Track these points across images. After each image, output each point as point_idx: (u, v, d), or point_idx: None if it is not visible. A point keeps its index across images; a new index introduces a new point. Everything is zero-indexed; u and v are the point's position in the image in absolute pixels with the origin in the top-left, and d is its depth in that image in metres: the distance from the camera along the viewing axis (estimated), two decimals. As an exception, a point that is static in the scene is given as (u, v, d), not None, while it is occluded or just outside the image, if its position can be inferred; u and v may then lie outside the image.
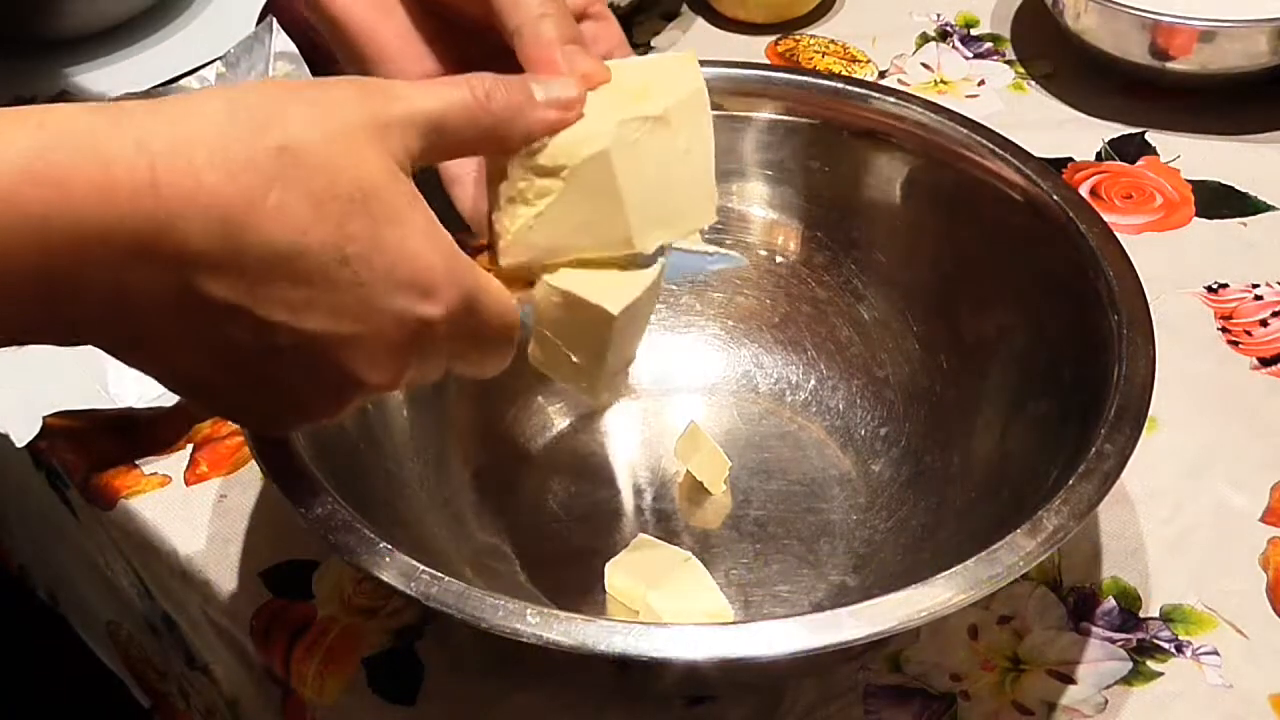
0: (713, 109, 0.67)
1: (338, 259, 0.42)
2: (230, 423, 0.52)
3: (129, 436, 0.68)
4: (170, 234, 0.40)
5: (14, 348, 0.43)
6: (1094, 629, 0.59)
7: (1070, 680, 0.57)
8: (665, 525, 0.63)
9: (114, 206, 0.39)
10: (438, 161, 0.46)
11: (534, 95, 0.47)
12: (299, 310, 0.43)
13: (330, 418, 0.47)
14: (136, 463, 0.67)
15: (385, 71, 0.54)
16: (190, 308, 0.42)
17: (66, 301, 0.41)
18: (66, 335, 0.43)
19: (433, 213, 0.45)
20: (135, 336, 0.43)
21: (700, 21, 0.95)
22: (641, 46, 0.92)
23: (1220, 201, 0.79)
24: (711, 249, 0.55)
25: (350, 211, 0.42)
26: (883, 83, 0.84)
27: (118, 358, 0.45)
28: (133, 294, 0.41)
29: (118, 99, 0.79)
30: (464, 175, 0.55)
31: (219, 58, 0.81)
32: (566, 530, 0.63)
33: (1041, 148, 0.68)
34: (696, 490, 0.65)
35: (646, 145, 0.49)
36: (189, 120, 0.41)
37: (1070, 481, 0.51)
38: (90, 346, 0.44)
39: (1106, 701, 0.56)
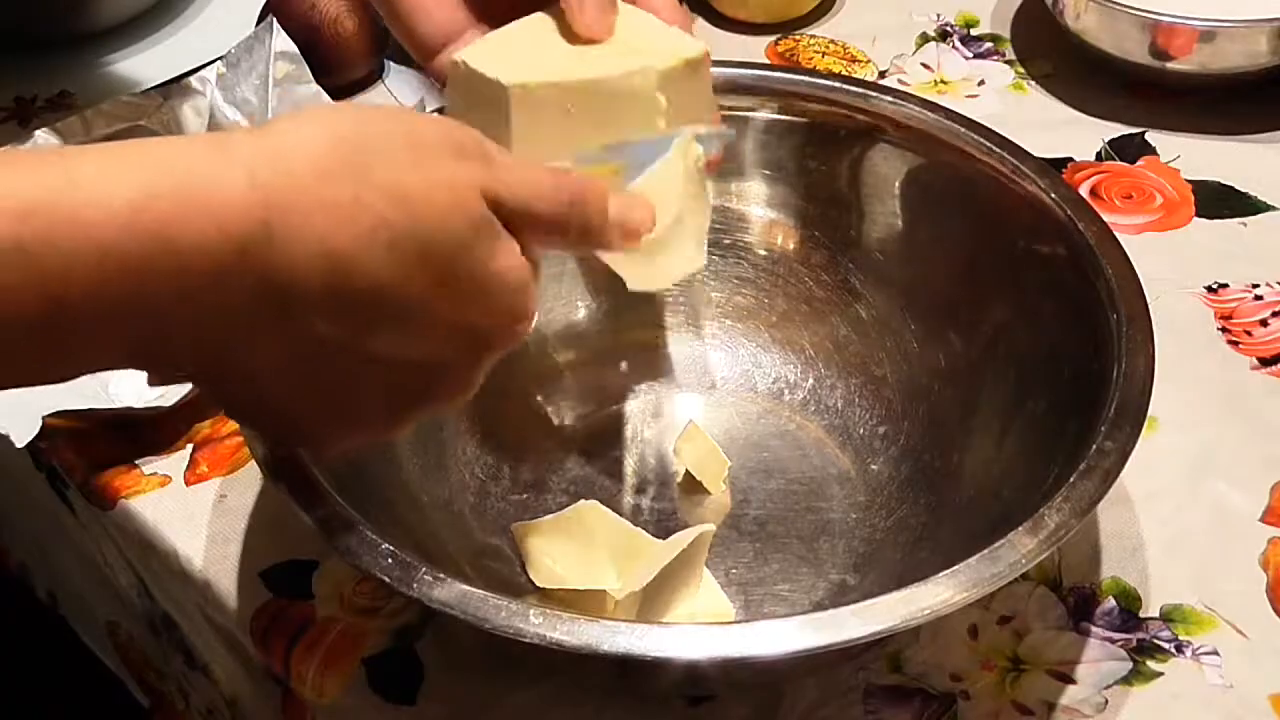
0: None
1: (441, 297, 0.44)
2: (277, 442, 0.52)
3: (129, 436, 0.68)
4: (279, 276, 0.41)
5: None
6: (1094, 629, 0.59)
7: (1070, 680, 0.57)
8: (665, 524, 0.63)
9: (224, 254, 0.39)
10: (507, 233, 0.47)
11: (607, 213, 0.49)
12: (398, 344, 0.44)
13: (397, 435, 0.50)
14: (136, 463, 0.67)
15: (414, 19, 0.56)
16: (292, 342, 0.42)
17: (162, 345, 0.41)
18: (142, 368, 0.44)
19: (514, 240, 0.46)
20: (227, 367, 0.43)
21: (700, 21, 0.95)
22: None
23: (1220, 201, 0.79)
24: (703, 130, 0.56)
25: (454, 255, 0.43)
26: (883, 83, 0.84)
27: (191, 382, 0.46)
28: (238, 329, 0.41)
29: (119, 99, 0.79)
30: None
31: (219, 58, 0.81)
32: (566, 530, 0.63)
33: (1041, 148, 0.68)
34: (696, 489, 0.65)
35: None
36: (295, 151, 0.41)
37: (1071, 480, 0.51)
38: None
39: (1106, 701, 0.56)
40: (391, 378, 0.45)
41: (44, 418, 0.68)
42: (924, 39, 0.93)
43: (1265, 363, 0.70)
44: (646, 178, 0.51)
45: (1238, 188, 0.80)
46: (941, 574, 0.48)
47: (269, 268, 0.40)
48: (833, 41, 0.93)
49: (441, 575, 0.48)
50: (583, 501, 0.60)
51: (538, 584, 0.60)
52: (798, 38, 0.93)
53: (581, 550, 0.59)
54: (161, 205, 0.39)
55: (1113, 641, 0.58)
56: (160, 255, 0.39)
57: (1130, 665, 0.57)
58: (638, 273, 0.56)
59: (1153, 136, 0.84)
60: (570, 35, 0.54)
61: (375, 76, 0.89)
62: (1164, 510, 0.63)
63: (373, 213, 0.41)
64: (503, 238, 0.45)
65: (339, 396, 0.45)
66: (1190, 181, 0.81)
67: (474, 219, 0.44)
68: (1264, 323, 0.72)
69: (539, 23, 0.55)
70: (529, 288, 0.46)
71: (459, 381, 0.47)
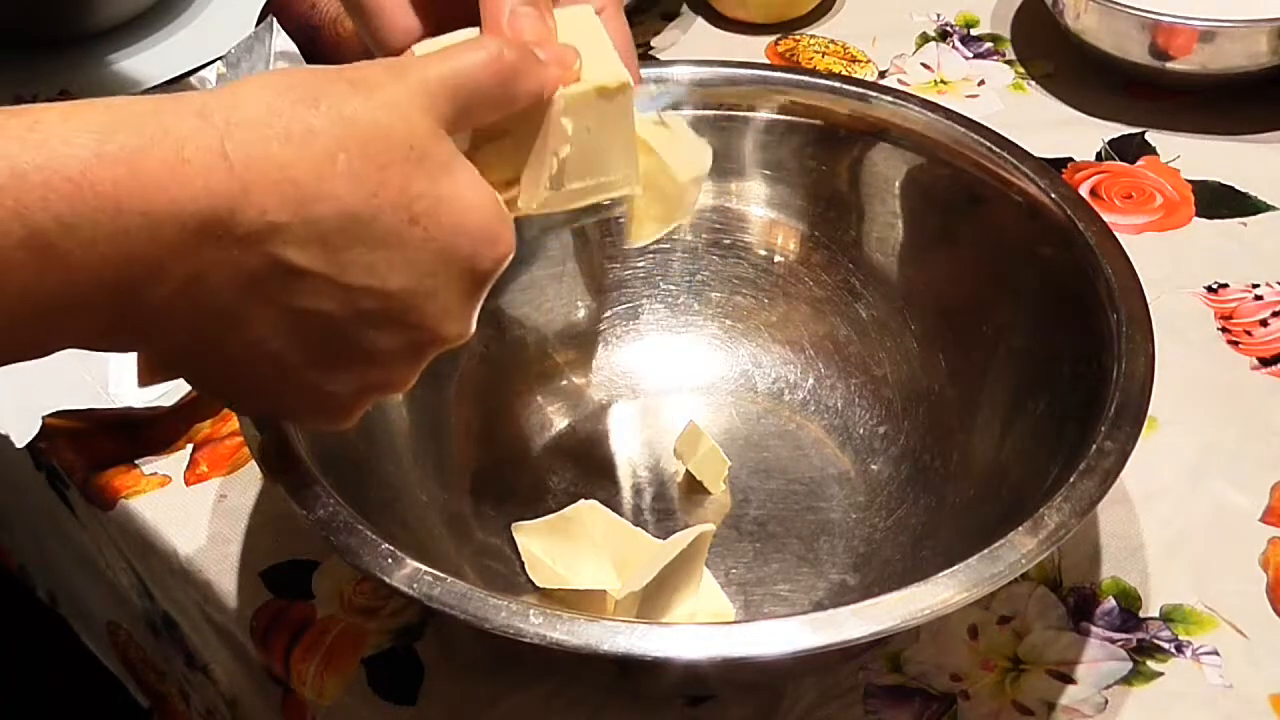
0: (713, 108, 0.67)
1: (407, 218, 0.44)
2: (288, 419, 0.52)
3: (129, 436, 0.68)
4: (246, 207, 0.41)
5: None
6: (1094, 629, 0.59)
7: (1070, 680, 0.57)
8: (665, 524, 0.63)
9: (186, 183, 0.40)
10: (467, 126, 0.47)
11: (537, 55, 0.49)
12: (380, 271, 0.44)
13: (405, 385, 0.49)
14: (136, 463, 0.67)
15: (377, 21, 0.56)
16: (272, 281, 0.42)
17: (141, 290, 0.41)
18: (133, 339, 0.43)
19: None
20: (212, 324, 0.43)
21: (700, 21, 0.95)
22: (641, 47, 0.92)
23: (1220, 201, 0.79)
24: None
25: (410, 172, 0.44)
26: (883, 83, 0.84)
27: (182, 361, 0.45)
28: (211, 275, 0.41)
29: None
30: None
31: (219, 58, 0.81)
32: (566, 530, 0.63)
33: (1041, 148, 0.68)
34: (696, 489, 0.65)
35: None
36: (245, 98, 0.42)
37: (1071, 479, 0.51)
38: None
39: (1106, 701, 0.56)
40: (379, 313, 0.45)
41: (44, 418, 0.68)
42: (924, 39, 0.93)
43: (1265, 363, 0.70)
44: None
45: (1238, 188, 0.80)
46: (941, 574, 0.48)
47: (234, 197, 0.41)
48: (833, 41, 0.93)
49: (441, 575, 0.48)
50: (582, 501, 0.60)
51: (538, 584, 0.60)
52: (798, 38, 0.93)
53: (581, 550, 0.59)
54: (124, 138, 0.39)
55: (1113, 641, 0.58)
56: (128, 185, 0.39)
57: (1130, 665, 0.57)
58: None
59: (1153, 136, 0.84)
60: None
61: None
62: (1164, 510, 0.63)
63: (326, 138, 0.42)
64: (457, 157, 0.45)
65: (329, 340, 0.45)
66: (1190, 181, 0.81)
67: (421, 132, 0.44)
68: (1264, 323, 0.72)
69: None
70: (495, 206, 0.46)
71: (449, 315, 0.47)
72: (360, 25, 0.58)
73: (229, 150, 0.41)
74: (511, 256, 0.47)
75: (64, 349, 0.42)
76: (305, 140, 0.42)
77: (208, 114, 0.41)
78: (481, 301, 0.48)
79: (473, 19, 0.52)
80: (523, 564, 0.61)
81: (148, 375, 0.47)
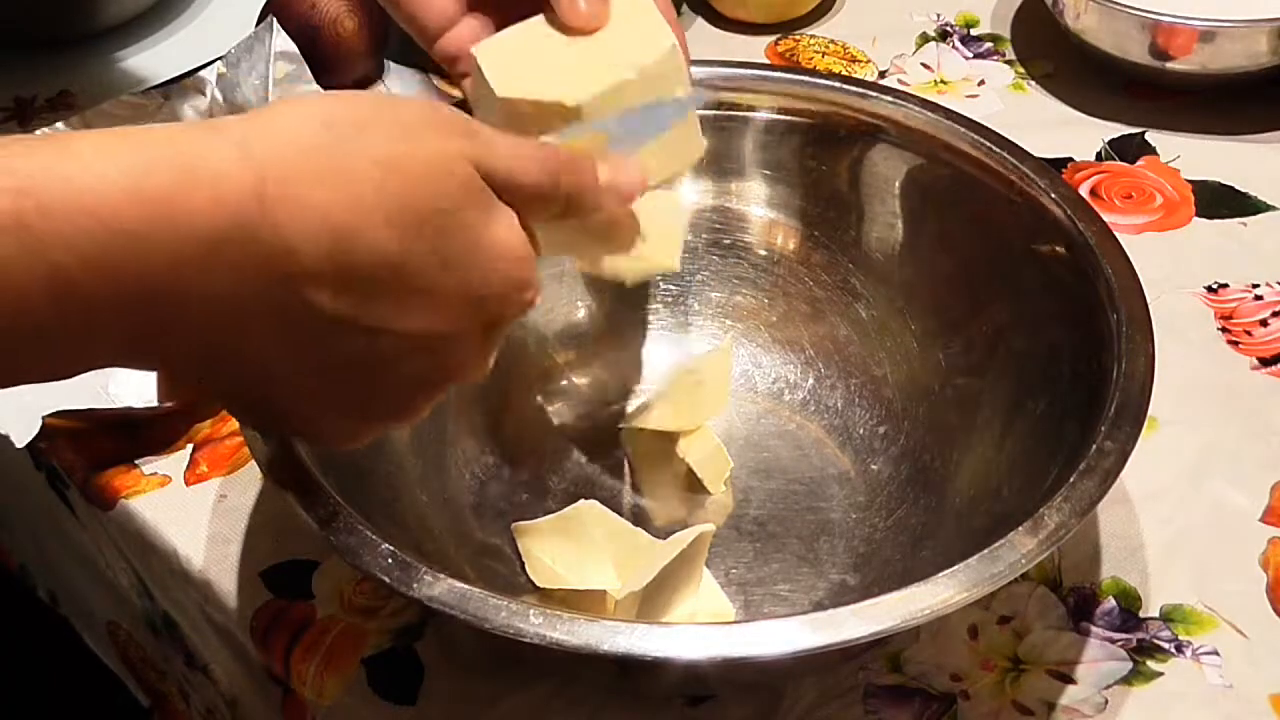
0: (713, 108, 0.67)
1: (440, 265, 0.44)
2: (295, 436, 0.52)
3: (129, 436, 0.68)
4: (278, 249, 0.41)
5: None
6: (1094, 629, 0.59)
7: (1070, 680, 0.57)
8: (665, 524, 0.63)
9: (218, 225, 0.39)
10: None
11: (598, 179, 0.49)
12: (407, 315, 0.44)
13: (416, 418, 0.49)
14: (136, 463, 0.67)
15: (412, 6, 0.57)
16: (297, 319, 0.42)
17: (163, 326, 0.41)
18: (150, 362, 0.43)
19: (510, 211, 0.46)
20: (232, 354, 0.43)
21: (700, 21, 0.95)
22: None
23: (1220, 201, 0.79)
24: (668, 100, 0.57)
25: (449, 222, 0.43)
26: (883, 83, 0.84)
27: (194, 376, 0.45)
28: (237, 311, 0.41)
29: (119, 99, 0.80)
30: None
31: (219, 58, 0.81)
32: (566, 530, 0.63)
33: (1041, 148, 0.68)
34: (696, 489, 0.65)
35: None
36: (286, 131, 0.41)
37: (1071, 479, 0.51)
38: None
39: (1106, 701, 0.56)
40: (400, 354, 0.45)
41: (44, 418, 0.68)
42: (924, 39, 0.93)
43: (1265, 363, 0.70)
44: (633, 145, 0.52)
45: (1238, 188, 0.80)
46: (941, 574, 0.48)
47: (267, 239, 0.40)
48: (833, 41, 0.93)
49: (441, 575, 0.48)
50: (582, 502, 0.60)
51: (538, 584, 0.60)
52: (798, 38, 0.93)
53: (581, 550, 0.59)
54: (158, 179, 0.39)
55: (1113, 641, 0.58)
56: (159, 224, 0.39)
57: (1130, 665, 0.57)
58: (631, 265, 0.57)
59: (1153, 136, 0.84)
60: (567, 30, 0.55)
61: (375, 76, 0.89)
62: (1164, 510, 0.63)
63: (370, 184, 0.42)
64: (496, 205, 0.45)
65: (348, 377, 0.45)
66: (1190, 181, 0.81)
67: (465, 185, 0.44)
68: (1264, 323, 0.72)
69: (541, 23, 0.56)
70: (528, 255, 0.46)
71: (469, 356, 0.47)
72: (393, 11, 0.59)
73: (267, 190, 0.40)
74: (538, 303, 0.48)
75: (81, 374, 0.42)
76: (345, 183, 0.41)
77: (247, 148, 0.40)
78: (500, 342, 0.48)
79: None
80: (523, 564, 0.61)
81: (166, 391, 0.47)
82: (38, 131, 0.76)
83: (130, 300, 0.39)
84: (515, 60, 0.55)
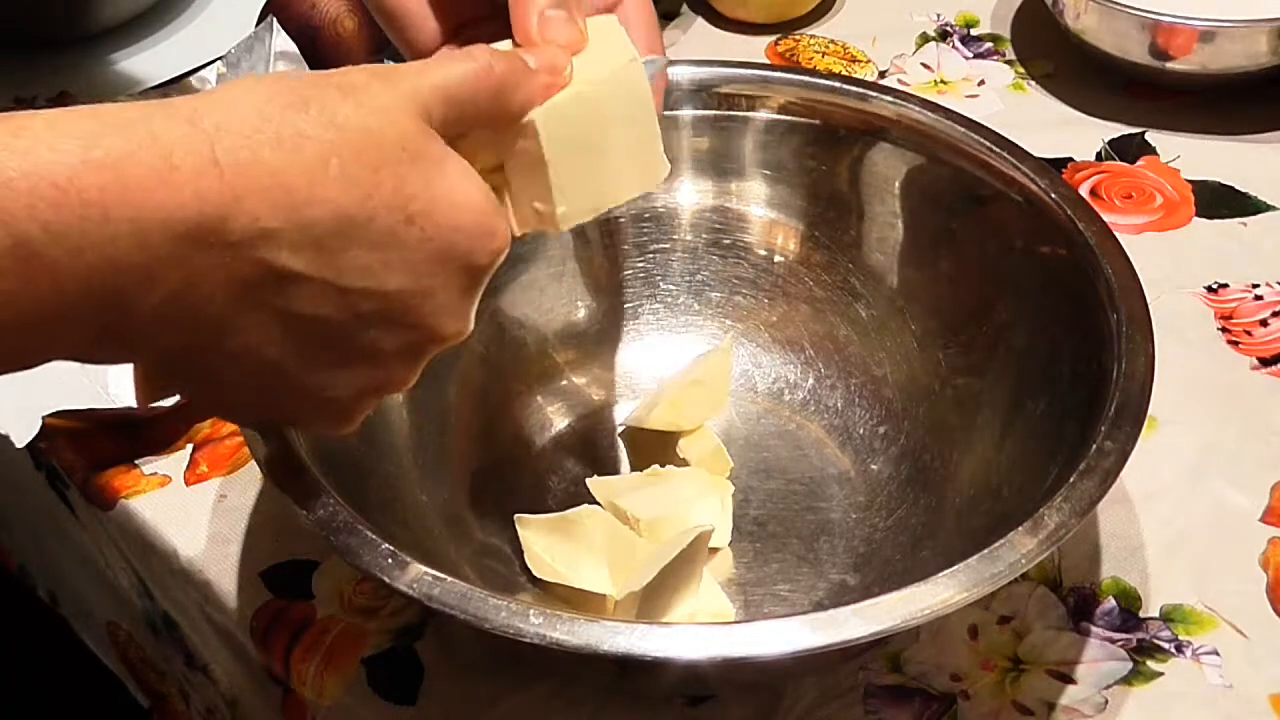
0: (713, 108, 0.67)
1: (403, 218, 0.44)
2: (289, 425, 0.52)
3: (129, 436, 0.68)
4: (238, 213, 0.40)
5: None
6: (1094, 629, 0.59)
7: (1070, 680, 0.57)
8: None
9: (175, 190, 0.39)
10: (454, 132, 0.47)
11: (528, 64, 0.49)
12: (377, 273, 0.44)
13: (405, 384, 0.48)
14: (136, 463, 0.67)
15: (402, 25, 0.57)
16: (266, 288, 0.42)
17: (131, 298, 0.40)
18: (123, 349, 0.43)
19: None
20: (205, 332, 0.42)
21: (700, 21, 0.95)
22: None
23: (1220, 201, 0.79)
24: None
25: (404, 172, 0.44)
26: (883, 83, 0.84)
27: (177, 372, 0.45)
28: (203, 282, 0.41)
29: (119, 99, 0.80)
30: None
31: (219, 58, 0.81)
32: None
33: (1041, 148, 0.68)
34: (696, 490, 0.65)
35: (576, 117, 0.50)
36: (234, 103, 0.42)
37: (1071, 479, 0.51)
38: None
39: (1106, 701, 0.56)
40: (376, 316, 0.45)
41: (44, 418, 0.68)
42: (924, 39, 0.93)
43: (1265, 363, 0.70)
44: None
45: (1238, 188, 0.80)
46: (941, 574, 0.48)
47: (223, 202, 0.40)
48: (833, 41, 0.93)
49: (441, 575, 0.48)
50: (585, 507, 0.60)
51: (535, 575, 0.60)
52: (798, 38, 0.93)
53: (580, 553, 0.59)
54: (111, 145, 0.39)
55: (1113, 641, 0.58)
56: (116, 191, 0.38)
57: (1130, 665, 0.57)
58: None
59: (1153, 136, 0.84)
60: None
61: (375, 76, 0.89)
62: (1164, 510, 0.63)
63: (318, 142, 0.42)
64: (446, 152, 0.45)
65: (327, 345, 0.45)
66: (1190, 181, 0.81)
67: (412, 132, 0.44)
68: (1264, 323, 0.72)
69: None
70: (487, 200, 0.46)
71: (448, 313, 0.47)
72: (389, 32, 0.59)
73: (219, 156, 0.40)
74: (507, 250, 0.47)
75: (54, 360, 0.42)
76: (296, 145, 0.42)
77: (197, 120, 0.41)
78: (479, 296, 0.48)
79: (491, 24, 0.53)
80: (523, 562, 0.61)
81: (145, 392, 0.47)
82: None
83: (95, 268, 0.39)
84: None
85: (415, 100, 0.45)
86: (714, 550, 0.61)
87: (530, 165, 0.50)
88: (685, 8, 0.96)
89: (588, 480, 0.63)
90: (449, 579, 0.48)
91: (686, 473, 0.62)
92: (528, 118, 0.49)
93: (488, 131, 0.49)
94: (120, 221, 0.39)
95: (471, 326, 0.48)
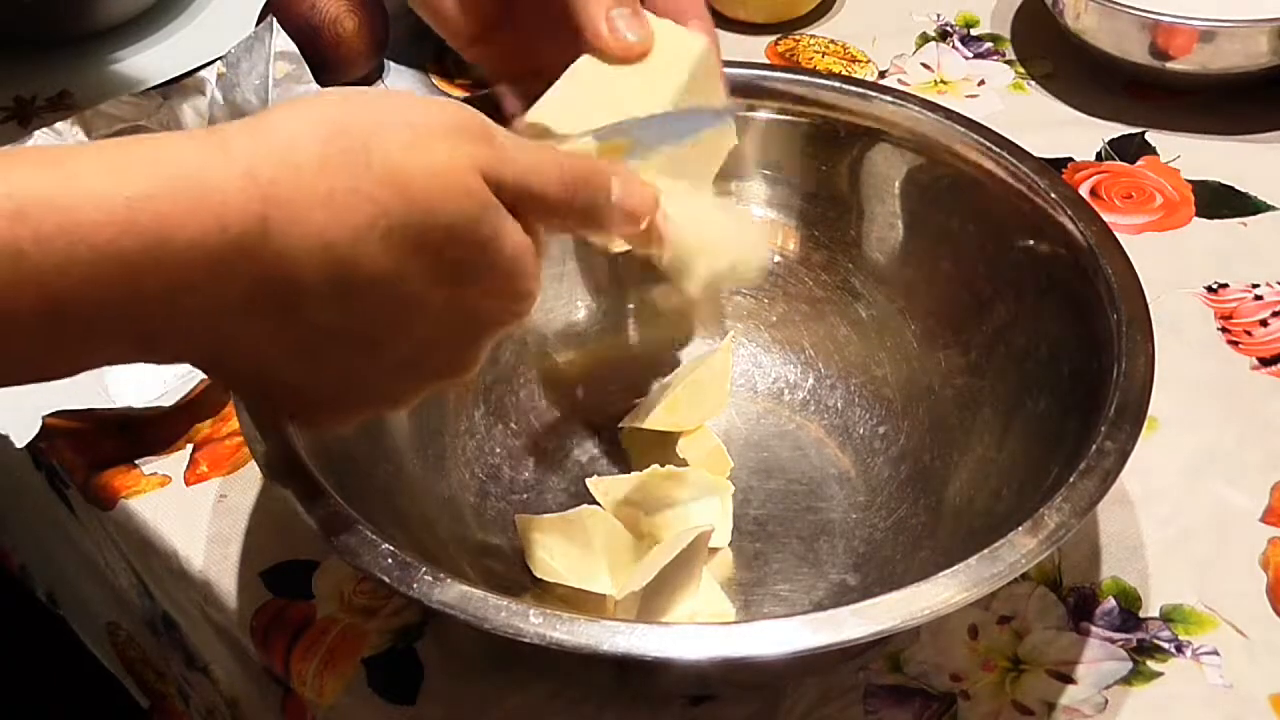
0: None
1: (434, 280, 0.44)
2: (285, 417, 0.53)
3: (129, 436, 0.68)
4: (279, 272, 0.41)
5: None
6: (1094, 629, 0.59)
7: (1070, 680, 0.57)
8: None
9: (222, 256, 0.40)
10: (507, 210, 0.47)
11: (611, 195, 0.49)
12: (401, 330, 0.45)
13: (406, 407, 0.50)
14: (136, 463, 0.67)
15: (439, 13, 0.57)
16: (297, 335, 0.43)
17: (156, 339, 0.41)
18: (144, 360, 0.44)
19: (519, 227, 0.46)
20: (228, 357, 0.44)
21: (700, 21, 0.95)
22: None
23: (1220, 201, 0.79)
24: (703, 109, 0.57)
25: (453, 239, 0.43)
26: (883, 83, 0.84)
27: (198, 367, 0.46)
28: (235, 327, 0.42)
29: (119, 99, 0.80)
30: None
31: (219, 58, 0.81)
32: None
33: (1041, 148, 0.68)
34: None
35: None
36: (292, 150, 0.41)
37: (1071, 480, 0.51)
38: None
39: (1106, 701, 0.56)
40: (394, 359, 0.46)
41: (44, 418, 0.68)
42: (924, 39, 0.93)
43: (1265, 363, 0.70)
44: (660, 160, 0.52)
45: (1238, 188, 0.80)
46: (941, 574, 0.48)
47: (268, 262, 0.41)
48: (833, 41, 0.93)
49: (441, 575, 0.48)
50: (585, 507, 0.60)
51: (535, 574, 0.60)
52: (798, 38, 0.93)
53: (580, 553, 0.60)
54: (159, 204, 0.39)
55: (1113, 641, 0.58)
56: (158, 252, 0.39)
57: (1130, 665, 0.57)
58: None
59: (1153, 136, 0.84)
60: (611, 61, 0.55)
61: (375, 76, 0.89)
62: (1164, 510, 0.63)
63: (371, 202, 0.41)
64: (504, 218, 0.45)
65: (343, 378, 0.46)
66: (1190, 181, 0.81)
67: (474, 200, 0.44)
68: (1264, 323, 0.72)
69: (588, 64, 0.55)
70: (531, 268, 0.47)
71: (460, 359, 0.48)
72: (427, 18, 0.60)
73: (269, 214, 0.40)
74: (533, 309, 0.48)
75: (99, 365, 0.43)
76: (346, 207, 0.41)
77: (253, 172, 0.40)
78: (490, 346, 0.49)
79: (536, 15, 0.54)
80: (523, 562, 0.61)
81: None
82: (36, 133, 0.76)
83: (125, 322, 0.40)
84: (570, 108, 0.53)
85: (486, 164, 0.44)
86: (714, 550, 0.61)
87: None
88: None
89: (588, 480, 0.63)
90: (449, 579, 0.48)
91: (686, 473, 0.62)
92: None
93: None
94: (161, 277, 0.39)
95: (478, 369, 0.49)
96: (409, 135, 0.43)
